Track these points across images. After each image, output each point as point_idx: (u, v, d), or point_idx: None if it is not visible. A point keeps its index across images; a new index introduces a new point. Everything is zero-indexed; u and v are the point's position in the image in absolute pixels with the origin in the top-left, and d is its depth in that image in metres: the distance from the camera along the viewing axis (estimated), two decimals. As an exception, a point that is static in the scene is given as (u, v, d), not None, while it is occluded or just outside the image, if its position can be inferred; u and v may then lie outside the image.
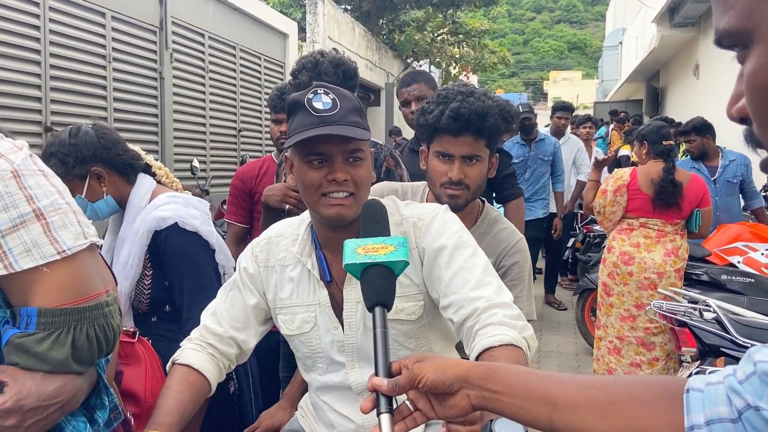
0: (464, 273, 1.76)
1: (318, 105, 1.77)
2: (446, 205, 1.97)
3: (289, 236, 1.97)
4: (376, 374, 1.23)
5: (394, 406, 1.23)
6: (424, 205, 1.98)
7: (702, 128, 6.14)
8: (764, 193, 7.34)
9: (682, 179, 4.83)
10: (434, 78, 4.17)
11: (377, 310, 1.31)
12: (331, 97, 1.80)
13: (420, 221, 1.88)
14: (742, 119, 0.83)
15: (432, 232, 1.85)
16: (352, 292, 1.86)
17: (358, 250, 1.37)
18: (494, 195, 4.16)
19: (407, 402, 1.24)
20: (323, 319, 1.90)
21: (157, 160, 8.60)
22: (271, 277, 1.95)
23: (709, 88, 13.59)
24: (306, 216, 2.00)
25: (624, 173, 5.10)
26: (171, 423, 1.62)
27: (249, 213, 3.63)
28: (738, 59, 0.83)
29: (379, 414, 1.19)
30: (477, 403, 1.19)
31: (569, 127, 8.17)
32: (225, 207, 7.46)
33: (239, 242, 3.57)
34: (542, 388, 1.15)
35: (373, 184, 2.24)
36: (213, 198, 7.87)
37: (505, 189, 4.05)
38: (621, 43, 28.91)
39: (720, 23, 0.82)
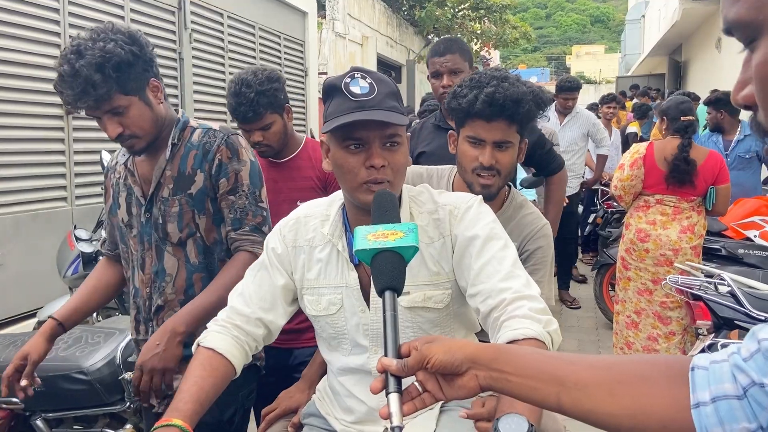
0: (495, 264, 1.77)
1: (355, 89, 1.77)
2: (480, 197, 1.97)
3: (317, 216, 1.98)
4: (386, 355, 1.25)
5: (403, 387, 1.24)
6: (458, 194, 1.99)
7: (717, 102, 6.11)
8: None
9: (698, 156, 4.79)
10: (470, 48, 3.75)
11: (387, 294, 1.33)
12: (369, 81, 1.79)
13: (456, 209, 1.89)
14: (747, 106, 0.84)
15: (466, 221, 1.86)
16: None
17: (368, 237, 1.39)
18: (534, 172, 4.03)
19: (416, 383, 1.26)
20: (350, 302, 1.91)
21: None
22: (299, 257, 1.96)
23: (731, 62, 13.41)
24: (336, 197, 2.00)
25: (641, 147, 5.09)
26: (191, 411, 1.64)
27: None
28: (745, 47, 0.84)
29: (387, 394, 1.21)
30: (485, 384, 1.20)
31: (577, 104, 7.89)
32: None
33: None
34: (551, 368, 1.17)
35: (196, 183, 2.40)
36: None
37: (550, 162, 3.83)
38: (644, 16, 28.58)
39: (729, 13, 0.83)
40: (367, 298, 1.89)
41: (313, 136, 10.33)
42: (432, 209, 1.91)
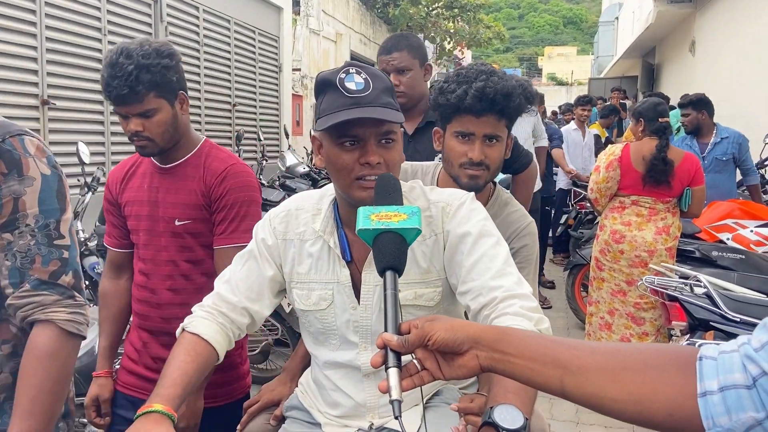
0: (486, 261, 1.76)
1: (350, 85, 1.75)
2: (473, 194, 1.96)
3: (309, 210, 1.96)
4: (386, 331, 1.24)
5: (403, 363, 1.24)
6: (450, 191, 1.97)
7: (699, 103, 6.16)
8: (761, 170, 7.41)
9: (675, 157, 4.84)
10: (423, 44, 3.51)
11: (388, 273, 1.33)
12: (364, 77, 1.77)
13: (448, 206, 1.87)
14: None
15: (458, 217, 1.85)
16: (371, 274, 1.86)
17: (371, 217, 1.39)
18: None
19: (415, 361, 1.25)
20: (341, 298, 1.90)
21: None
22: (289, 251, 1.95)
23: (705, 65, 13.59)
24: (328, 192, 1.99)
25: (616, 148, 5.14)
26: (174, 395, 1.61)
27: (124, 233, 2.68)
28: None
29: (387, 368, 1.20)
30: (486, 364, 1.20)
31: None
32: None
33: (117, 271, 2.76)
34: (554, 352, 1.16)
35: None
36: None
37: (518, 158, 3.59)
38: (617, 18, 28.82)
39: None
40: (357, 296, 1.89)
41: (287, 133, 10.30)
42: (424, 206, 1.88)
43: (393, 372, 1.20)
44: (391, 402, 1.18)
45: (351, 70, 1.79)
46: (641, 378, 1.09)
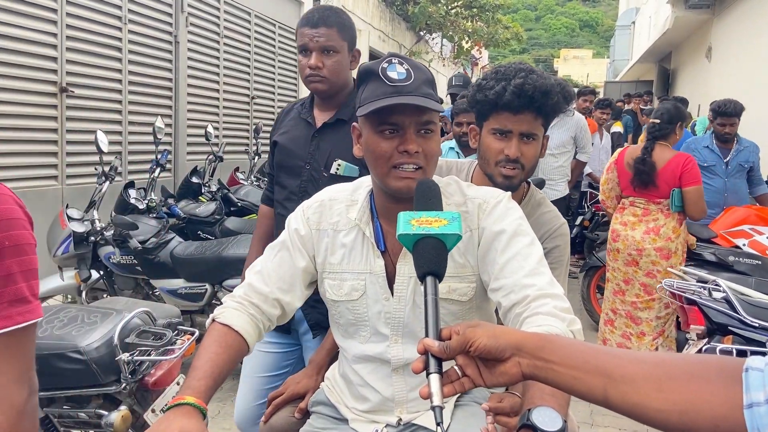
0: (520, 259, 1.75)
1: (393, 74, 1.76)
2: (509, 193, 1.95)
3: (342, 201, 1.96)
4: (427, 336, 1.24)
5: (443, 369, 1.23)
6: (488, 189, 1.97)
7: (741, 111, 6.11)
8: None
9: (662, 158, 4.89)
10: (354, 25, 2.90)
11: (429, 279, 1.33)
12: (406, 67, 1.78)
13: (485, 203, 1.87)
14: None
15: (494, 215, 1.84)
16: (406, 266, 1.86)
17: (412, 222, 1.39)
18: None
19: (455, 367, 1.24)
20: (374, 289, 1.90)
21: (169, 125, 8.63)
22: (323, 241, 1.94)
23: (721, 72, 13.53)
24: (364, 183, 1.99)
25: (617, 152, 5.37)
26: (205, 387, 1.62)
27: None
28: None
29: (428, 374, 1.20)
30: (528, 372, 1.19)
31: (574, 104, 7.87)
32: (237, 174, 7.55)
33: None
34: (598, 360, 1.16)
35: None
36: (226, 164, 7.89)
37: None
38: (634, 22, 28.73)
39: None
40: (391, 287, 1.88)
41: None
42: (460, 201, 1.89)
43: (434, 378, 1.19)
44: (433, 408, 1.17)
45: (393, 60, 1.81)
46: (687, 388, 1.09)
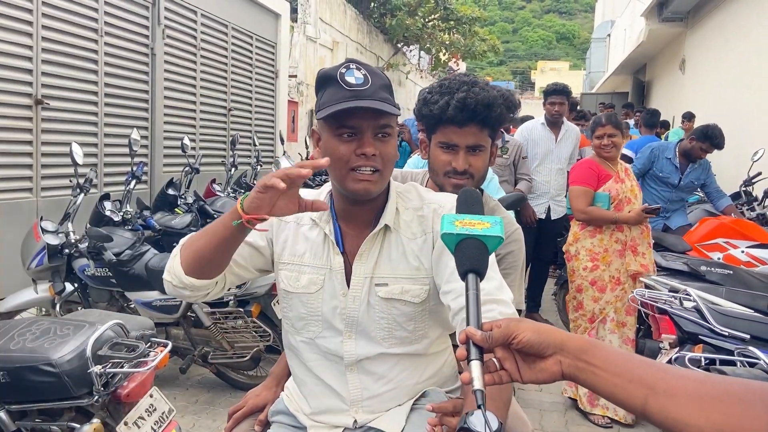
0: None
1: (350, 79, 1.81)
2: None
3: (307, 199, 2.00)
4: (468, 325, 1.25)
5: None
6: (445, 194, 2.04)
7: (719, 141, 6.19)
8: (748, 188, 7.46)
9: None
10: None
11: (470, 276, 1.35)
12: (363, 72, 1.84)
13: (441, 208, 1.93)
14: None
15: None
16: (362, 266, 1.92)
17: (456, 223, 1.41)
18: None
19: (494, 359, 1.26)
20: (332, 284, 1.94)
21: (145, 137, 8.58)
22: (283, 232, 2.00)
23: (695, 83, 13.70)
24: (325, 189, 2.03)
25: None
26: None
27: None
28: None
29: (469, 361, 1.21)
30: (569, 372, 1.21)
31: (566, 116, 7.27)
32: (214, 186, 7.54)
33: None
34: (641, 371, 1.16)
35: None
36: (202, 176, 7.88)
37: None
38: (609, 35, 29.04)
39: None
40: (348, 284, 1.93)
41: (282, 139, 10.32)
42: (417, 206, 1.96)
43: (475, 364, 1.20)
44: (474, 392, 1.17)
45: (351, 66, 1.85)
46: (727, 409, 1.09)
